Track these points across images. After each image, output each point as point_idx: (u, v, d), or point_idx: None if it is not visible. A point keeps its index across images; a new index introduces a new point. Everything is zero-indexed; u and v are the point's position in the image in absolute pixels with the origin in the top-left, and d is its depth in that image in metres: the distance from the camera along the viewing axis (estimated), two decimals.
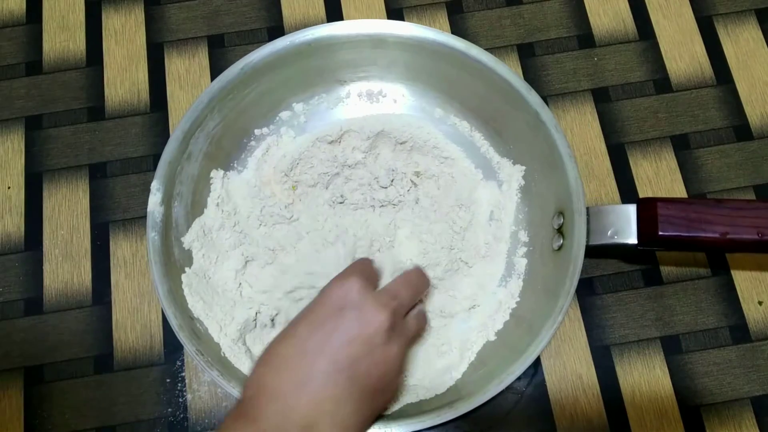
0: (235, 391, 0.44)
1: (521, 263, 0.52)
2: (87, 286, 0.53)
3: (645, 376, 0.51)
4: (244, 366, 0.47)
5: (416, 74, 0.55)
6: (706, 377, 0.51)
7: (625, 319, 0.53)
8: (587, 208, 0.47)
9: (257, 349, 0.49)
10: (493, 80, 0.51)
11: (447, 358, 0.49)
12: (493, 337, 0.50)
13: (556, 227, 0.49)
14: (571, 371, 0.52)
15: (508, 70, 0.50)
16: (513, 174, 0.53)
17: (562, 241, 0.48)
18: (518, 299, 0.51)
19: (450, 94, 0.55)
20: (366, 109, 0.56)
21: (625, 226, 0.47)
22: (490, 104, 0.53)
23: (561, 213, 0.49)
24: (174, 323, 0.46)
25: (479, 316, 0.51)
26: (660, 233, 0.45)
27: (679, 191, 0.56)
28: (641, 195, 0.56)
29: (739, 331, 0.52)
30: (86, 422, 0.50)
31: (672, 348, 0.52)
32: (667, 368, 0.52)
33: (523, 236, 0.53)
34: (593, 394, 0.51)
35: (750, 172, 0.56)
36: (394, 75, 0.55)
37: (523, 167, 0.53)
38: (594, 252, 0.52)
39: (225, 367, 0.46)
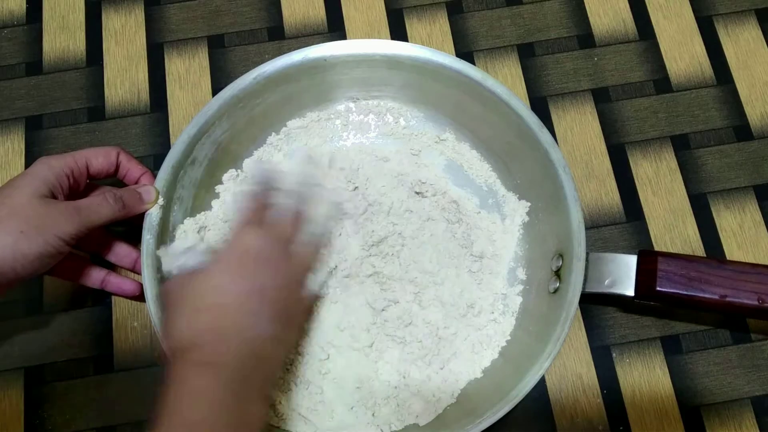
0: None
1: (516, 301, 0.51)
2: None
3: (645, 376, 0.51)
4: None
5: (429, 98, 0.54)
6: (706, 377, 0.51)
7: (625, 320, 0.53)
8: (587, 254, 0.47)
9: None
10: (505, 113, 0.50)
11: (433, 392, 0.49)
12: (479, 374, 0.49)
13: (554, 269, 0.48)
14: (571, 371, 0.52)
15: (522, 105, 0.49)
16: (517, 209, 0.53)
17: (558, 284, 0.47)
18: (509, 338, 0.50)
19: (462, 121, 0.54)
20: (376, 128, 0.56)
21: (623, 277, 0.47)
22: (502, 136, 0.52)
23: (561, 255, 0.48)
24: (159, 329, 0.45)
25: (467, 350, 0.50)
26: (658, 288, 0.45)
27: (679, 191, 0.56)
28: (641, 195, 0.56)
29: (739, 331, 0.52)
30: (86, 422, 0.50)
31: (672, 348, 0.52)
32: (667, 368, 0.52)
33: (521, 274, 0.52)
34: (593, 394, 0.51)
35: (750, 172, 0.56)
36: (408, 97, 0.55)
37: (528, 204, 0.52)
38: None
39: None
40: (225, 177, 0.53)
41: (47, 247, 0.42)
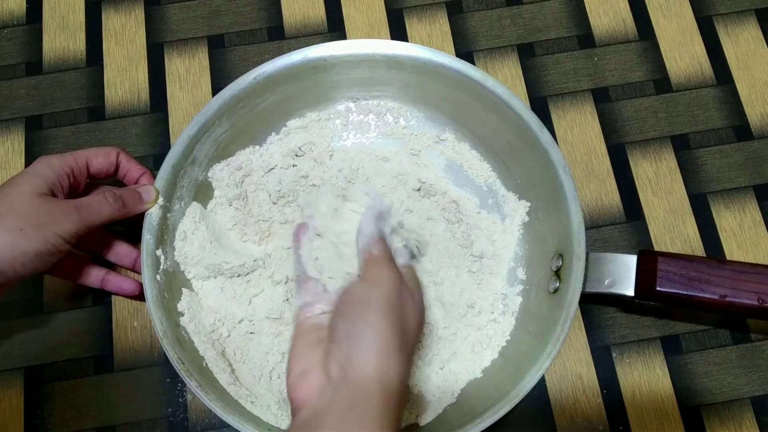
0: (212, 405, 0.43)
1: (516, 301, 0.51)
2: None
3: (645, 376, 0.51)
4: (224, 379, 0.47)
5: (429, 98, 0.54)
6: (706, 377, 0.51)
7: (625, 320, 0.53)
8: (587, 254, 0.47)
9: (240, 367, 0.49)
10: (506, 113, 0.50)
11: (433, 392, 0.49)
12: (479, 374, 0.49)
13: (554, 269, 0.48)
14: (571, 371, 0.52)
15: (522, 105, 0.49)
16: (517, 209, 0.53)
17: (558, 284, 0.47)
18: (509, 338, 0.50)
19: (462, 121, 0.54)
20: (376, 128, 0.56)
21: (623, 277, 0.47)
22: (502, 137, 0.52)
23: (561, 255, 0.48)
24: (159, 329, 0.45)
25: (467, 350, 0.50)
26: (658, 288, 0.45)
27: (679, 191, 0.56)
28: (641, 195, 0.56)
29: (739, 331, 0.52)
30: (86, 422, 0.50)
31: (672, 348, 0.52)
32: (667, 368, 0.52)
33: (521, 274, 0.52)
34: (593, 394, 0.51)
35: (750, 172, 0.56)
36: (408, 97, 0.55)
37: (528, 204, 0.52)
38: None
39: (205, 378, 0.45)
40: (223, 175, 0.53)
41: (47, 245, 0.42)
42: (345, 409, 0.33)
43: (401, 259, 0.41)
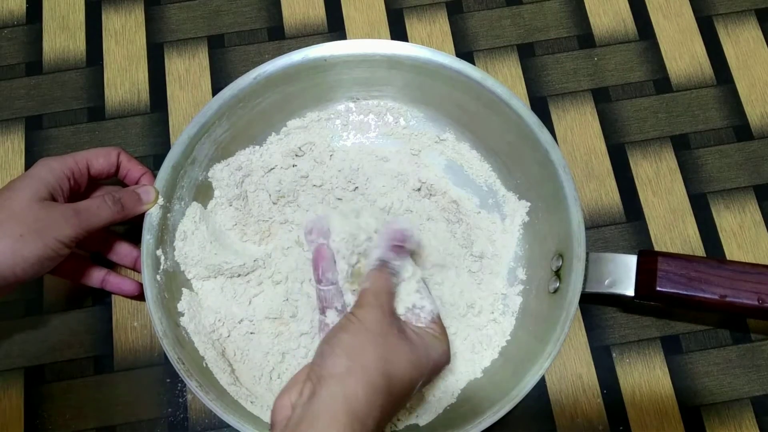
0: (212, 405, 0.43)
1: (516, 301, 0.51)
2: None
3: (645, 376, 0.51)
4: (224, 379, 0.47)
5: (429, 98, 0.54)
6: (706, 377, 0.51)
7: (625, 320, 0.53)
8: (587, 254, 0.47)
9: (240, 367, 0.49)
10: (506, 113, 0.50)
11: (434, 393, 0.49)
12: (479, 374, 0.49)
13: (554, 269, 0.48)
14: (571, 371, 0.52)
15: (522, 105, 0.49)
16: (517, 209, 0.52)
17: (558, 284, 0.47)
18: (509, 338, 0.50)
19: (462, 121, 0.54)
20: (376, 128, 0.55)
21: (623, 277, 0.47)
22: (502, 137, 0.52)
23: (561, 255, 0.48)
24: (158, 329, 0.45)
25: (467, 350, 0.50)
26: (658, 288, 0.45)
27: (679, 191, 0.56)
28: (641, 195, 0.56)
29: (739, 331, 0.52)
30: (86, 422, 0.50)
31: (672, 348, 0.52)
32: (667, 368, 0.52)
33: (521, 274, 0.52)
34: (593, 394, 0.51)
35: (750, 172, 0.56)
36: (408, 97, 0.54)
37: (528, 204, 0.52)
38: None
39: (205, 378, 0.45)
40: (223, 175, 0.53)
41: (47, 250, 0.42)
42: (309, 425, 0.34)
43: (425, 314, 0.41)
